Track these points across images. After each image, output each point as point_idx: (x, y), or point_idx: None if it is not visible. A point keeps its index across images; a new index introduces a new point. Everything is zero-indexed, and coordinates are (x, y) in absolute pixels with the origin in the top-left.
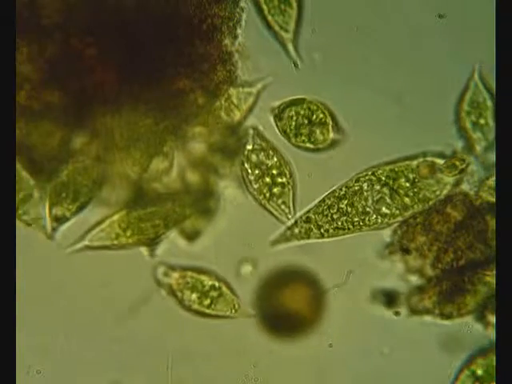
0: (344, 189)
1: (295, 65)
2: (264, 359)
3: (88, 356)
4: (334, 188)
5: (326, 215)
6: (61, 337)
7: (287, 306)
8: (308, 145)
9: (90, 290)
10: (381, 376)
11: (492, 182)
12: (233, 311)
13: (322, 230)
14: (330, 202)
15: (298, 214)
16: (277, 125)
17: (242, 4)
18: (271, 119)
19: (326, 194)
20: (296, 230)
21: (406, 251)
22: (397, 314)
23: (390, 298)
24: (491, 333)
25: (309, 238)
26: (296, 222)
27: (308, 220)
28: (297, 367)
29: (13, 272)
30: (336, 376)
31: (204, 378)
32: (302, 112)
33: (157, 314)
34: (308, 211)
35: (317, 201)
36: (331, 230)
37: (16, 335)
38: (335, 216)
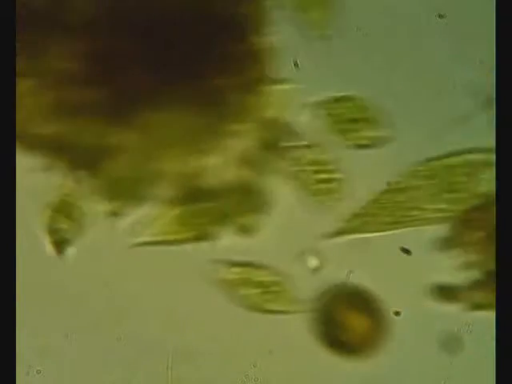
0: (399, 183)
1: (295, 64)
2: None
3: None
4: (388, 182)
5: (383, 208)
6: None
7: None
8: (357, 142)
9: (147, 286)
10: None
11: None
12: (291, 306)
13: (378, 223)
14: (385, 196)
15: (352, 209)
16: (316, 121)
17: (275, 2)
18: (312, 116)
19: (379, 188)
20: (350, 224)
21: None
22: (397, 314)
23: (448, 293)
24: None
25: (364, 232)
26: (350, 216)
27: (363, 213)
28: None
29: (13, 272)
30: None
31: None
32: (345, 110)
33: (214, 310)
34: (363, 205)
35: (370, 194)
36: (388, 223)
37: (16, 335)
38: (392, 209)
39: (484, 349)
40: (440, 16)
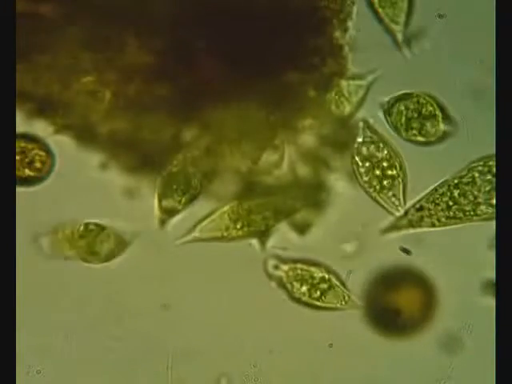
0: (457, 179)
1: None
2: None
3: None
4: (445, 178)
5: (438, 204)
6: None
7: (397, 306)
8: (419, 138)
9: (199, 282)
10: None
11: None
12: (343, 303)
13: (434, 219)
14: (441, 191)
15: (409, 204)
16: (386, 119)
17: None
18: (381, 114)
19: (438, 183)
20: (407, 219)
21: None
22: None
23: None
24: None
25: (420, 227)
26: (407, 211)
27: (420, 208)
28: None
29: (13, 273)
30: None
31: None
32: (411, 106)
33: (267, 305)
34: (420, 200)
35: (429, 190)
36: (443, 219)
37: (16, 335)
38: (449, 204)
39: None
40: (440, 16)
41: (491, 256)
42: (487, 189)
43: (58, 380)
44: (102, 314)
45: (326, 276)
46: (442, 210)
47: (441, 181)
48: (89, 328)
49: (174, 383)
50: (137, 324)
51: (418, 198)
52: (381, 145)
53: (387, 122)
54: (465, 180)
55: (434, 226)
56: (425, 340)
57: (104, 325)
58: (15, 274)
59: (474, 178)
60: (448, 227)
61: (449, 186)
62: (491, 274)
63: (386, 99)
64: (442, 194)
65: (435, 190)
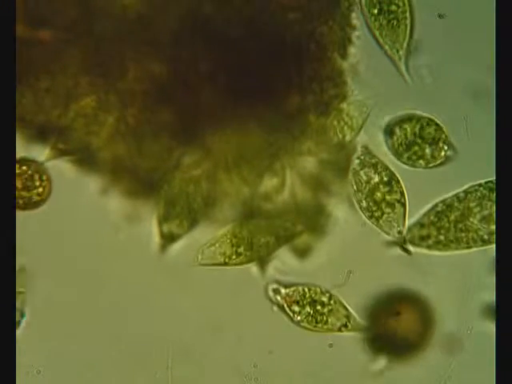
0: (454, 202)
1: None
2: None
3: None
4: (444, 198)
5: (438, 227)
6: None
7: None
8: (420, 162)
9: (200, 307)
10: None
11: None
12: (343, 327)
13: (432, 242)
14: (439, 215)
15: (409, 224)
16: (387, 142)
17: (353, 22)
18: (381, 137)
19: (436, 205)
20: (407, 239)
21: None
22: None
23: None
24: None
25: (418, 246)
26: (406, 231)
27: (420, 227)
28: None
29: (13, 273)
30: None
31: None
32: (412, 129)
33: (267, 329)
34: (418, 221)
35: (427, 211)
36: (442, 242)
37: (16, 335)
38: (446, 227)
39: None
40: (440, 16)
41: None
42: (485, 214)
43: (58, 380)
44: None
45: (327, 300)
46: (443, 235)
47: (440, 201)
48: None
49: (173, 383)
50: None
51: (415, 218)
52: (380, 169)
53: (387, 146)
54: (462, 204)
55: (436, 250)
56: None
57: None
58: (15, 276)
59: (470, 202)
60: (447, 252)
61: (449, 210)
62: (490, 297)
63: (387, 124)
64: (439, 218)
65: (434, 212)
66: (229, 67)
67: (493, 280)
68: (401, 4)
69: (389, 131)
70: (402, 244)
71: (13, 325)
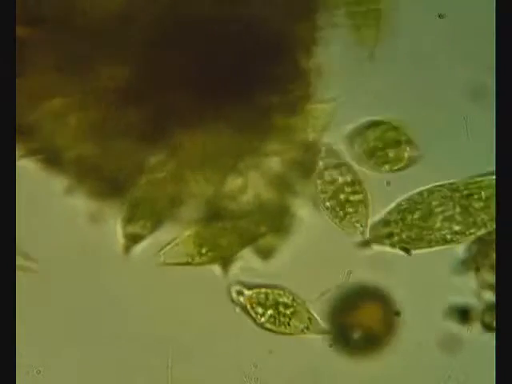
0: (416, 203)
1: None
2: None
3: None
4: (407, 197)
5: (400, 226)
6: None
7: (359, 324)
8: (383, 165)
9: (164, 310)
10: None
11: None
12: (306, 328)
13: (396, 240)
14: (402, 215)
15: (372, 224)
16: (351, 145)
17: (321, 23)
18: (346, 138)
19: (398, 205)
20: (370, 238)
21: (406, 251)
22: (397, 314)
23: (464, 315)
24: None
25: (383, 244)
26: (369, 231)
27: (384, 225)
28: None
29: (13, 274)
30: None
31: None
32: (377, 132)
33: (231, 331)
34: (381, 220)
35: (390, 210)
36: (405, 241)
37: (16, 335)
38: (414, 229)
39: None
40: (440, 16)
41: (454, 281)
42: (448, 215)
43: (58, 380)
44: None
45: (291, 301)
46: (406, 234)
47: (402, 200)
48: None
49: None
50: None
51: (378, 217)
52: (344, 170)
53: (352, 148)
54: (424, 204)
55: (394, 246)
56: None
57: None
58: (15, 277)
59: (433, 203)
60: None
61: (412, 210)
62: (455, 299)
63: (352, 125)
64: (406, 220)
65: (399, 214)
66: (195, 67)
67: (455, 280)
68: (370, 5)
69: (353, 134)
70: (402, 245)
71: (13, 325)
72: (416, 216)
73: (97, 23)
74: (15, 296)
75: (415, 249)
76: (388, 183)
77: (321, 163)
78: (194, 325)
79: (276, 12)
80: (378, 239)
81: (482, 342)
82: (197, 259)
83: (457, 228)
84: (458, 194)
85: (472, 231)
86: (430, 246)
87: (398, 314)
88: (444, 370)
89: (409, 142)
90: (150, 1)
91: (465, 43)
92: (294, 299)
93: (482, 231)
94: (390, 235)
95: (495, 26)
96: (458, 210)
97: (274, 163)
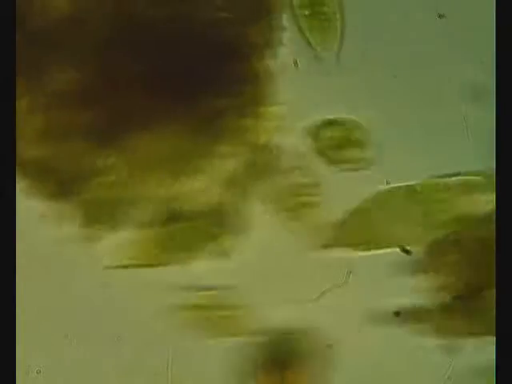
0: (373, 205)
1: (295, 64)
2: None
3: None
4: (365, 199)
5: (359, 229)
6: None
7: None
8: (344, 165)
9: (116, 308)
10: None
11: None
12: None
13: (354, 244)
14: (361, 217)
15: (328, 225)
16: (310, 145)
17: (278, 24)
18: (301, 139)
19: (358, 206)
20: (328, 246)
21: (406, 252)
22: (397, 314)
23: (414, 316)
24: None
25: (338, 246)
26: (325, 232)
27: (340, 235)
28: None
29: (13, 274)
30: None
31: None
32: (338, 132)
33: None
34: (337, 222)
35: (350, 216)
36: (362, 244)
37: (16, 335)
38: (368, 230)
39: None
40: (440, 16)
41: (403, 282)
42: (406, 215)
43: (57, 380)
44: None
45: (242, 303)
46: (359, 236)
47: (361, 206)
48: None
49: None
50: None
51: (338, 225)
52: (301, 171)
53: (309, 148)
54: (383, 206)
55: (354, 250)
56: None
57: None
58: (15, 277)
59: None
60: (367, 252)
61: (367, 211)
62: (404, 300)
63: (306, 125)
64: (360, 221)
65: (354, 216)
66: (147, 69)
67: (408, 281)
68: (332, 5)
69: (313, 134)
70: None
71: (13, 325)
72: (373, 217)
73: (47, 26)
74: (15, 296)
75: (371, 250)
76: (388, 182)
77: (275, 165)
78: (145, 326)
79: (228, 14)
80: (334, 241)
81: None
82: (151, 261)
83: (415, 230)
84: (415, 196)
85: (430, 233)
86: (387, 248)
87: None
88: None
89: (365, 142)
90: (100, 2)
91: (465, 43)
92: (246, 301)
93: (441, 233)
94: (346, 237)
95: (495, 26)
96: (416, 211)
97: (228, 165)
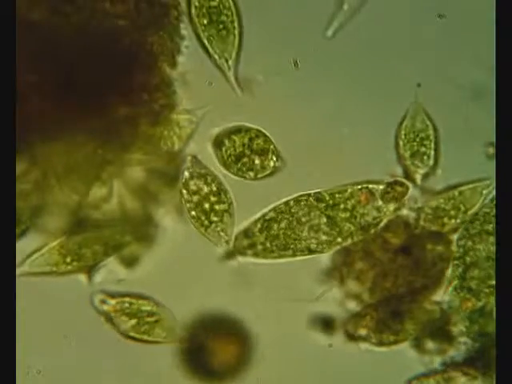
0: (283, 213)
1: (295, 64)
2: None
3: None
4: (273, 207)
5: (266, 235)
6: None
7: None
8: (248, 173)
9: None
10: None
11: (430, 208)
12: (169, 337)
13: (261, 248)
14: (268, 224)
15: (237, 233)
16: (216, 153)
17: (183, 32)
18: (211, 147)
19: (265, 214)
20: (234, 248)
21: (406, 252)
22: (330, 346)
23: (327, 324)
24: (427, 359)
25: (248, 255)
26: (233, 241)
27: (248, 236)
28: None
29: (13, 275)
30: None
31: None
32: (241, 141)
33: (95, 340)
34: (247, 228)
35: (255, 219)
36: (271, 251)
37: (16, 335)
38: (279, 238)
39: None
40: (440, 16)
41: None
42: (314, 224)
43: (58, 380)
44: None
45: (154, 309)
46: (270, 244)
47: (268, 209)
48: None
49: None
50: None
51: (244, 225)
52: (209, 179)
53: (216, 156)
54: (291, 213)
55: (263, 258)
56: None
57: None
58: (15, 277)
59: (300, 212)
60: (276, 260)
61: (276, 220)
62: (318, 308)
63: (217, 134)
64: (268, 226)
65: (263, 220)
66: (58, 76)
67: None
68: (230, 14)
69: (218, 142)
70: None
71: (13, 325)
72: (282, 225)
73: None
74: (15, 296)
75: (279, 258)
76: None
77: (186, 172)
78: (58, 333)
79: (127, 22)
80: (242, 249)
81: (347, 352)
82: (61, 268)
83: (323, 238)
84: (323, 204)
85: (338, 241)
86: (295, 256)
87: (330, 345)
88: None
89: (274, 150)
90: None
91: (465, 43)
92: (157, 307)
93: (348, 241)
94: (254, 245)
95: (495, 26)
96: (323, 219)
97: (138, 173)
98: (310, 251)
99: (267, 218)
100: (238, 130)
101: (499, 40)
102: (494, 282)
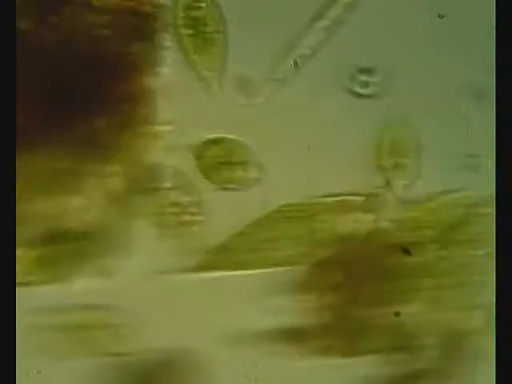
0: (261, 224)
1: (295, 64)
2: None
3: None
4: (252, 219)
5: (242, 249)
6: None
7: None
8: (230, 184)
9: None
10: None
11: (408, 220)
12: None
13: (237, 263)
14: (245, 237)
15: (214, 246)
16: (196, 164)
17: (165, 43)
18: (191, 158)
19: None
20: (209, 265)
21: (406, 251)
22: (397, 314)
23: (296, 336)
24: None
25: (222, 271)
26: (210, 253)
27: (223, 254)
28: None
29: (13, 274)
30: None
31: None
32: (221, 152)
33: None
34: (224, 242)
35: (234, 232)
36: (245, 263)
37: (16, 335)
38: (251, 249)
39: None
40: (440, 16)
41: (287, 301)
42: (291, 234)
43: (57, 380)
44: None
45: (125, 321)
46: (243, 255)
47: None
48: None
49: None
50: None
51: (221, 244)
52: (188, 191)
53: (197, 168)
54: (267, 225)
55: (235, 269)
56: None
57: None
58: (15, 276)
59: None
60: (247, 271)
61: (251, 232)
62: (286, 320)
63: (197, 144)
64: (244, 240)
65: (238, 234)
66: (36, 88)
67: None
68: (214, 25)
69: (196, 153)
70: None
71: (13, 325)
72: (260, 237)
73: None
74: (15, 297)
75: (255, 269)
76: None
77: (164, 184)
78: (26, 347)
79: (110, 32)
80: (219, 263)
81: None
82: (36, 279)
83: (301, 249)
84: (303, 214)
85: (316, 253)
86: (274, 266)
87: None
88: None
89: (253, 161)
90: None
91: (465, 43)
92: (129, 319)
93: (326, 253)
94: (231, 257)
95: (495, 26)
96: (302, 231)
97: (116, 184)
98: (289, 263)
99: (241, 228)
100: (214, 141)
101: (499, 40)
102: None
